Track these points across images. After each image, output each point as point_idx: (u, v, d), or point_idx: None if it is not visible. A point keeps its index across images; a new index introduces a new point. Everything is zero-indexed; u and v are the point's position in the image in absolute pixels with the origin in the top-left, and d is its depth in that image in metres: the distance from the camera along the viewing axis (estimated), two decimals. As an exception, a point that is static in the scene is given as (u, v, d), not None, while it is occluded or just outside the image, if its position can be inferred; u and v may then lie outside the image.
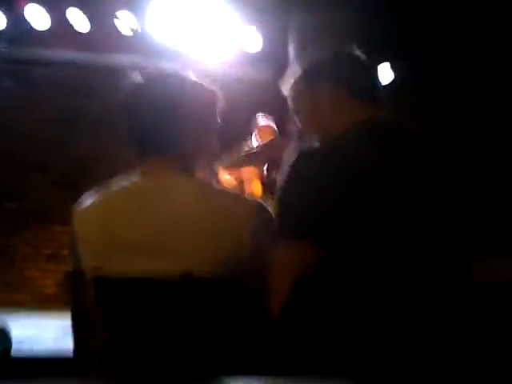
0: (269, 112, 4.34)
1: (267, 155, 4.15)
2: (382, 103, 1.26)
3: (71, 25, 4.73)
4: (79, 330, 1.17)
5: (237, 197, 1.16)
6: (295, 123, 1.33)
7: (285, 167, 1.11)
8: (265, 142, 4.06)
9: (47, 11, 4.71)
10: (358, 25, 4.28)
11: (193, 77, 1.23)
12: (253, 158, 4.10)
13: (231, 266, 1.06)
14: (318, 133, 1.23)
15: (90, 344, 1.15)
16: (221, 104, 1.25)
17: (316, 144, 1.13)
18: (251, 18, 4.84)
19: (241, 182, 3.96)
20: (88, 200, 1.17)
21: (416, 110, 5.43)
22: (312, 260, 1.03)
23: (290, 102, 1.32)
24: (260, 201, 1.16)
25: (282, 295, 1.03)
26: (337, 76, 1.23)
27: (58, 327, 3.47)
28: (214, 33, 4.98)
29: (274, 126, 4.20)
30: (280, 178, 1.11)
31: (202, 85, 1.23)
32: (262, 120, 4.22)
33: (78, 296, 1.13)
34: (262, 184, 3.97)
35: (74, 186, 4.93)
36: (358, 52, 1.30)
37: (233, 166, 4.07)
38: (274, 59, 5.34)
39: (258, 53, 5.24)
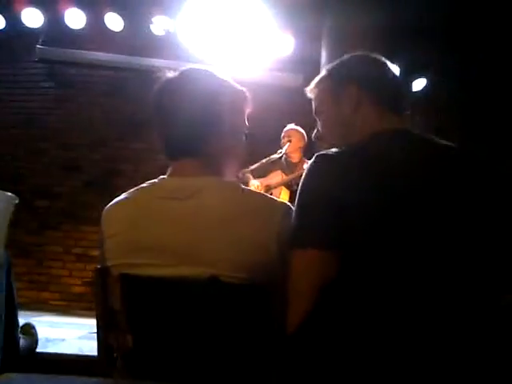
0: (299, 119, 4.31)
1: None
2: (406, 114, 1.22)
3: (108, 27, 4.81)
4: (104, 330, 1.16)
5: (264, 199, 1.13)
6: (316, 125, 1.30)
7: (305, 171, 1.06)
8: (292, 144, 4.03)
9: (85, 14, 4.81)
10: (392, 31, 4.23)
11: (221, 75, 1.22)
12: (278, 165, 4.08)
13: (258, 270, 1.05)
14: (338, 135, 1.20)
15: (114, 344, 1.15)
16: (249, 104, 1.24)
17: (336, 148, 1.08)
18: (284, 22, 4.84)
19: (268, 189, 3.94)
20: (117, 199, 1.17)
21: (449, 117, 5.39)
22: (331, 269, 0.97)
23: (313, 102, 1.29)
24: (287, 203, 1.13)
25: (300, 306, 0.97)
26: (362, 79, 1.20)
27: (83, 326, 3.51)
28: (247, 37, 4.99)
29: (303, 132, 4.16)
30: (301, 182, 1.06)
31: (231, 84, 1.22)
32: (293, 126, 4.19)
33: (105, 294, 1.12)
34: (290, 192, 3.95)
35: (106, 187, 5.01)
36: (385, 59, 1.26)
37: (260, 172, 4.05)
38: (306, 65, 5.33)
39: (290, 58, 5.23)
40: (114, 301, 1.11)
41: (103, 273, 1.13)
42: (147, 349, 1.08)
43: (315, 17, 4.61)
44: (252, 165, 3.88)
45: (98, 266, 1.15)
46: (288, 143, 4.01)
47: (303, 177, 1.05)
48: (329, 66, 1.29)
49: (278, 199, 1.15)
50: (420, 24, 4.29)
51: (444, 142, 1.13)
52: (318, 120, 1.29)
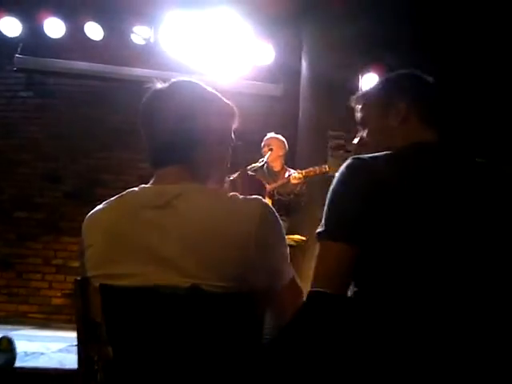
0: (280, 127, 4.34)
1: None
2: (448, 130, 1.25)
3: (88, 37, 4.80)
4: (85, 342, 1.15)
5: (242, 202, 1.12)
6: (359, 133, 1.33)
7: (339, 170, 1.12)
8: (273, 153, 4.04)
9: (65, 23, 4.79)
10: (370, 39, 4.29)
11: (210, 88, 1.23)
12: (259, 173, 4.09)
13: (239, 277, 1.04)
14: (381, 146, 1.21)
15: (95, 357, 1.13)
16: (236, 119, 1.25)
17: (372, 154, 1.14)
18: (264, 32, 4.87)
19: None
20: (96, 208, 1.17)
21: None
22: (349, 260, 1.04)
23: (358, 112, 1.33)
24: (265, 202, 1.12)
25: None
26: (411, 95, 1.24)
27: (63, 339, 3.46)
28: (227, 46, 5.01)
29: (284, 140, 4.18)
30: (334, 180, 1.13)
31: (221, 98, 1.23)
32: (273, 134, 4.20)
33: (85, 306, 1.11)
34: (273, 201, 3.95)
35: (88, 198, 4.96)
36: (429, 78, 1.30)
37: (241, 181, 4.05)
38: (286, 75, 5.37)
39: (270, 68, 5.26)
40: (95, 312, 1.10)
41: (83, 284, 1.12)
42: (128, 360, 1.07)
43: (295, 27, 4.66)
44: (232, 174, 3.88)
45: (78, 278, 1.14)
46: (269, 152, 4.03)
47: (337, 175, 1.11)
48: (380, 79, 1.33)
49: (257, 199, 1.12)
50: (395, 35, 4.36)
51: (479, 160, 1.18)
52: (360, 129, 1.33)
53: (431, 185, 1.07)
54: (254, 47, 4.97)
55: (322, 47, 4.38)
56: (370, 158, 1.11)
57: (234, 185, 3.69)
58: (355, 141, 1.34)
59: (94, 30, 4.80)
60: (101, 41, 4.86)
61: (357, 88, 4.58)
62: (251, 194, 1.13)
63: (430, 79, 1.30)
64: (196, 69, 4.83)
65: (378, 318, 1.00)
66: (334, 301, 1.01)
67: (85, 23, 4.77)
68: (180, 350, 1.03)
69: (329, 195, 1.10)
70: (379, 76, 5.26)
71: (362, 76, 4.77)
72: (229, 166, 1.27)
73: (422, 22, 4.39)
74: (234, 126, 1.25)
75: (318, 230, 1.08)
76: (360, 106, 1.32)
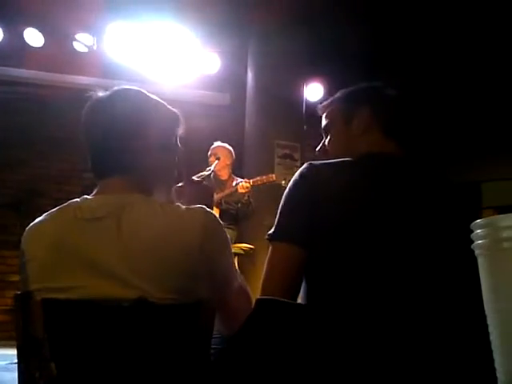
0: (226, 136, 4.35)
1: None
2: (408, 143, 1.28)
3: (27, 43, 4.66)
4: (26, 359, 1.11)
5: (185, 212, 1.11)
6: (323, 140, 1.35)
7: (294, 176, 1.16)
8: (220, 162, 4.05)
9: (3, 29, 4.63)
10: (315, 51, 4.38)
11: (153, 96, 1.22)
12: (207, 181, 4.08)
13: (185, 288, 1.04)
14: (341, 154, 1.23)
15: (36, 374, 1.09)
16: (182, 126, 1.24)
17: (327, 161, 1.18)
18: (210, 41, 4.89)
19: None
20: (37, 220, 1.13)
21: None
22: (299, 262, 1.07)
23: (323, 119, 1.35)
24: (209, 211, 1.12)
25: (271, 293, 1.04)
26: (375, 104, 1.27)
27: (3, 357, 3.31)
28: (173, 56, 4.99)
29: (231, 149, 4.20)
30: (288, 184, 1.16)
31: (164, 105, 1.22)
32: (220, 143, 4.21)
33: (26, 321, 1.07)
34: (220, 210, 3.95)
35: (28, 209, 4.77)
36: (394, 91, 1.33)
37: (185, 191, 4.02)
38: (232, 84, 5.40)
39: (216, 77, 5.28)
40: (37, 327, 1.06)
41: (24, 298, 1.08)
42: (73, 376, 1.04)
43: (240, 37, 4.70)
44: (179, 183, 3.86)
45: (19, 292, 1.10)
46: (216, 161, 4.03)
47: (292, 180, 1.14)
48: (344, 90, 1.35)
49: (200, 208, 1.12)
50: (340, 47, 4.48)
51: (436, 173, 1.21)
52: (324, 136, 1.35)
53: (378, 193, 1.11)
54: (200, 56, 4.98)
55: (267, 58, 4.44)
56: (324, 164, 1.15)
57: (181, 193, 3.64)
58: (318, 148, 1.37)
59: (33, 37, 4.66)
60: (41, 47, 4.72)
61: (301, 98, 4.67)
62: (199, 202, 1.13)
63: (392, 92, 1.33)
64: (142, 78, 4.77)
65: (325, 325, 1.01)
66: (282, 308, 1.02)
67: (24, 29, 4.63)
68: (126, 364, 1.01)
69: (282, 199, 1.14)
70: (324, 87, 5.39)
71: (306, 87, 4.87)
72: (176, 174, 1.26)
73: (368, 34, 4.53)
74: (180, 132, 1.25)
75: (270, 232, 1.12)
76: (324, 114, 1.35)
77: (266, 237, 1.12)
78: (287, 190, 1.14)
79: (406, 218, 1.09)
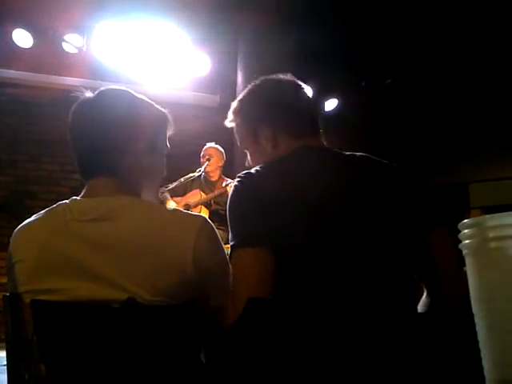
0: (218, 138, 4.35)
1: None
2: (321, 132, 1.30)
3: (16, 44, 4.63)
4: (15, 361, 1.10)
5: (179, 216, 1.12)
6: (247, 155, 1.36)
7: (232, 187, 1.16)
8: (212, 163, 4.05)
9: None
10: (304, 53, 4.39)
11: (140, 96, 1.21)
12: (196, 183, 4.08)
13: (176, 290, 1.04)
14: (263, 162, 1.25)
15: (26, 376, 1.09)
16: (171, 126, 1.24)
17: (256, 168, 1.19)
18: (200, 43, 4.88)
19: (187, 209, 3.92)
20: (26, 222, 1.12)
21: (359, 134, 5.74)
22: (269, 264, 1.06)
23: (235, 134, 1.35)
24: (203, 217, 1.13)
25: (242, 302, 1.01)
26: (272, 117, 1.26)
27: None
28: (163, 57, 4.97)
29: (222, 150, 4.19)
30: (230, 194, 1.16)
31: (152, 104, 1.22)
32: (212, 144, 4.21)
33: (15, 323, 1.07)
34: (209, 211, 3.94)
35: (17, 210, 4.74)
36: (296, 81, 1.32)
37: (179, 191, 4.02)
38: (222, 85, 5.39)
39: (206, 79, 5.27)
40: (26, 329, 1.06)
41: (13, 300, 1.07)
42: (63, 377, 1.04)
43: (231, 39, 4.70)
44: (168, 184, 3.85)
45: (7, 294, 1.09)
46: (207, 162, 4.02)
47: (231, 191, 1.14)
48: (240, 100, 1.33)
49: (195, 214, 1.14)
50: (329, 50, 4.50)
51: (358, 153, 1.25)
52: (243, 148, 1.35)
53: (322, 180, 1.13)
54: (191, 58, 4.97)
55: (257, 59, 4.44)
56: (259, 168, 1.17)
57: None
58: (246, 163, 1.38)
59: (22, 37, 4.63)
60: (30, 48, 4.69)
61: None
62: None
63: (296, 84, 1.31)
64: (132, 79, 4.75)
65: (294, 318, 1.00)
66: (272, 307, 1.02)
67: (13, 30, 4.59)
68: (116, 365, 1.01)
69: (229, 209, 1.13)
70: (313, 88, 5.40)
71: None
72: (164, 174, 1.26)
73: (356, 35, 4.55)
74: (169, 132, 1.24)
75: (232, 243, 1.09)
76: (234, 130, 1.35)
77: (230, 248, 1.09)
78: (231, 200, 1.14)
79: (354, 203, 1.12)
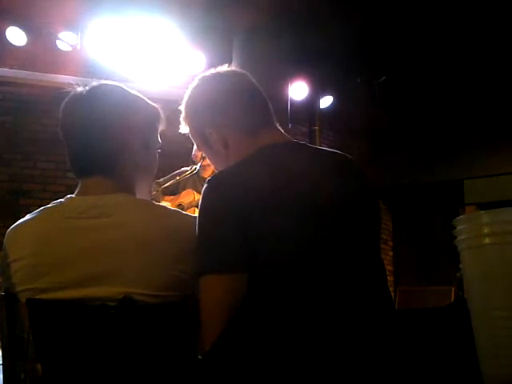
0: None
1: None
2: (273, 122, 1.23)
3: (10, 42, 4.60)
4: (11, 360, 1.10)
5: (177, 215, 1.12)
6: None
7: (201, 197, 1.08)
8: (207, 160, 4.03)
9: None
10: (299, 50, 4.39)
11: (133, 91, 1.21)
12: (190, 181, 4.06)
13: (174, 289, 1.04)
14: (225, 165, 1.20)
15: (22, 375, 1.08)
16: (163, 122, 1.23)
17: (223, 171, 1.13)
18: (195, 41, 4.87)
19: (181, 209, 3.91)
20: (21, 220, 1.12)
21: (353, 129, 5.75)
22: (240, 290, 0.99)
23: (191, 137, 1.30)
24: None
25: (213, 329, 0.99)
26: (216, 120, 1.21)
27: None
28: (158, 54, 4.96)
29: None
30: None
31: (144, 100, 1.21)
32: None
33: (11, 322, 1.06)
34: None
35: (12, 209, 4.72)
36: (244, 74, 1.26)
37: (173, 189, 4.01)
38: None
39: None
40: (22, 328, 1.05)
41: (8, 299, 1.07)
42: (58, 377, 1.03)
43: (226, 36, 4.69)
44: (160, 180, 3.83)
45: (2, 293, 1.09)
46: (202, 159, 4.01)
47: (200, 203, 1.06)
48: (184, 105, 1.27)
49: (191, 215, 1.14)
50: (325, 48, 4.50)
51: (325, 148, 1.21)
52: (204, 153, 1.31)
53: (282, 181, 1.06)
54: (186, 55, 4.95)
55: (252, 57, 4.43)
56: (226, 170, 1.11)
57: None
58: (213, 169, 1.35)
59: (16, 35, 4.60)
60: (24, 46, 4.66)
61: (286, 97, 4.68)
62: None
63: (244, 79, 1.25)
64: (127, 77, 4.73)
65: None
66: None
67: (6, 28, 4.56)
68: (113, 364, 1.01)
69: (200, 218, 1.05)
70: (308, 85, 5.41)
71: (291, 85, 4.88)
72: (155, 171, 1.25)
73: (352, 33, 4.55)
74: (160, 128, 1.24)
75: (201, 265, 1.02)
76: (190, 135, 1.30)
77: (198, 272, 1.02)
78: (200, 212, 1.05)
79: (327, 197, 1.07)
